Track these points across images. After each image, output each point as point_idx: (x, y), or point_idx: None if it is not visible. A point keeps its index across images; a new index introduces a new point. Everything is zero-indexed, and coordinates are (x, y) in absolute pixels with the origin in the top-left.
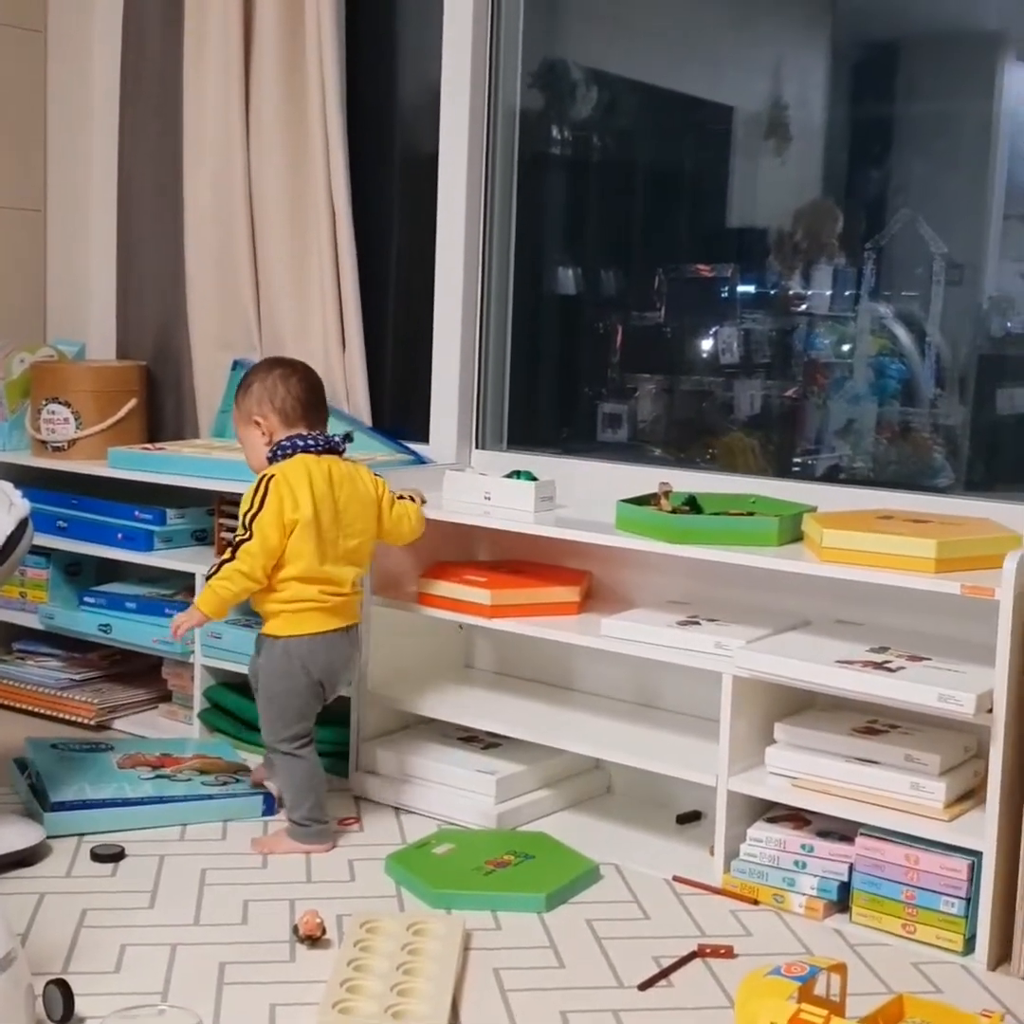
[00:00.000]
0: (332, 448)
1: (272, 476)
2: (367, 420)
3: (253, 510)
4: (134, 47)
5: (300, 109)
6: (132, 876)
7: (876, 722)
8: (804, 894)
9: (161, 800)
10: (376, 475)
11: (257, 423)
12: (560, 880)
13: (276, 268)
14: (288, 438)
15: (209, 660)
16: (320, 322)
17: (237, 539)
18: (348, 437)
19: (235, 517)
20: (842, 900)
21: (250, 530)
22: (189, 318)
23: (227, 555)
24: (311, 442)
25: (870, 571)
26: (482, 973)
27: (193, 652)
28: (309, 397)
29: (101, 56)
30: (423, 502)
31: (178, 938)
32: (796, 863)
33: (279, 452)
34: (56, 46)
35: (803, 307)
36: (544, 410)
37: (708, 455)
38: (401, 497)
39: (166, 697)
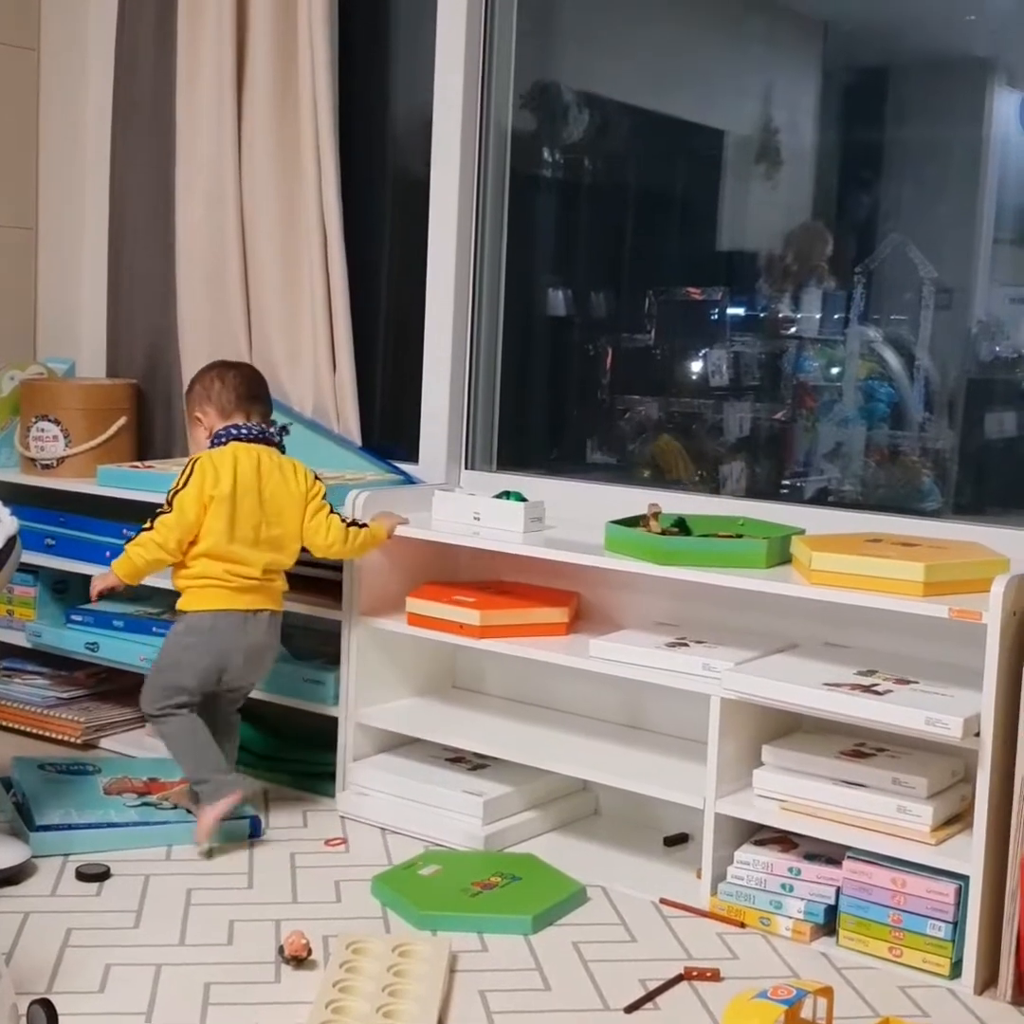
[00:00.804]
0: (265, 438)
1: (199, 458)
2: (357, 440)
3: (178, 488)
4: (127, 66)
5: (292, 129)
6: (117, 896)
7: (863, 745)
8: (791, 917)
9: (147, 823)
10: (317, 479)
11: (199, 419)
12: (547, 902)
13: (267, 288)
14: (224, 428)
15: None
16: (311, 342)
17: (157, 511)
18: (284, 429)
19: None
20: (829, 923)
21: (171, 504)
22: (180, 337)
23: (147, 525)
24: (244, 431)
25: (858, 594)
26: (468, 995)
27: None
28: (245, 391)
29: (94, 75)
30: (401, 521)
31: (163, 958)
32: (783, 886)
33: (215, 441)
34: (49, 64)
35: (793, 330)
36: (534, 431)
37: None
38: (354, 523)
39: None
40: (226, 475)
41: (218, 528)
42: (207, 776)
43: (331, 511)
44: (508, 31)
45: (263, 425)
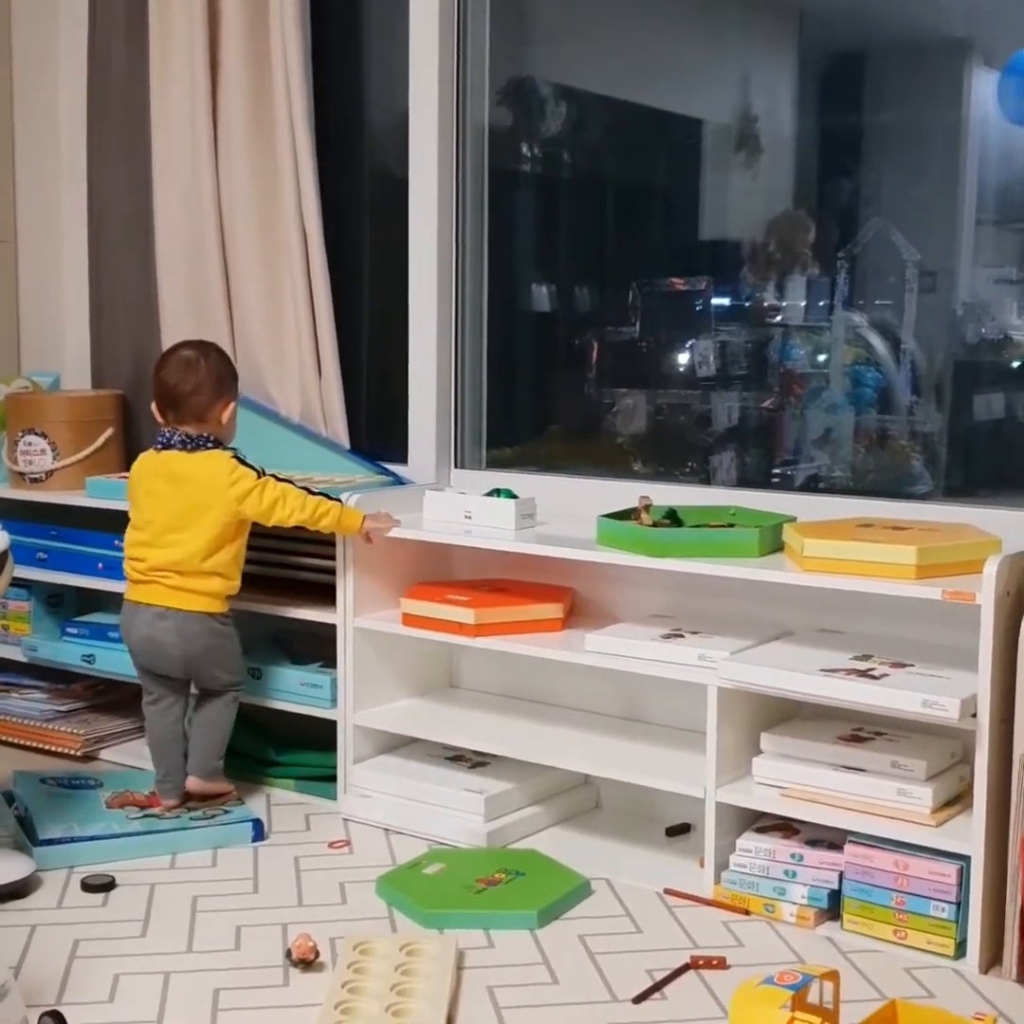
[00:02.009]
0: (168, 444)
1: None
2: (345, 443)
3: None
4: (100, 71)
5: (268, 131)
6: (123, 905)
7: (861, 730)
8: (795, 903)
9: (150, 832)
10: (243, 464)
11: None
12: (551, 896)
13: (249, 292)
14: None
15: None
16: (295, 345)
17: None
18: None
19: None
20: (833, 908)
21: None
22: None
23: None
24: (159, 439)
25: (851, 579)
26: (476, 991)
27: None
28: (166, 393)
29: (67, 82)
30: (394, 524)
31: (171, 966)
32: (786, 872)
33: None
34: (21, 72)
35: (778, 318)
36: (522, 427)
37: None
38: (324, 495)
39: None
40: (133, 491)
41: (127, 531)
42: (156, 772)
43: (279, 480)
44: (481, 26)
45: (171, 430)
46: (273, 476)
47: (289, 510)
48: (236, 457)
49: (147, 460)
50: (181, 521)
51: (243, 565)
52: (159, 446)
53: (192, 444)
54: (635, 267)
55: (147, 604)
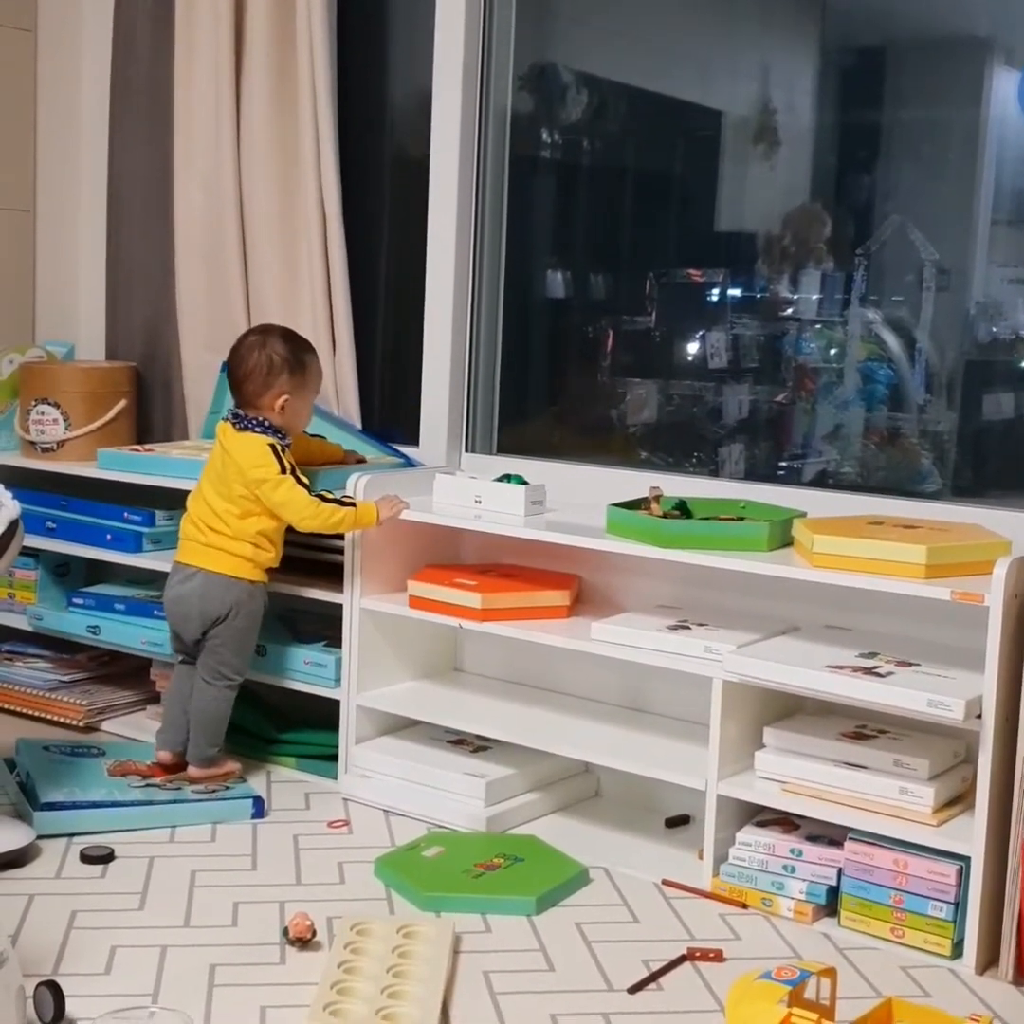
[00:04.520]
0: (227, 418)
1: None
2: (357, 423)
3: None
4: (124, 46)
5: (291, 111)
6: (122, 878)
7: (865, 727)
8: (793, 898)
9: (151, 803)
10: (278, 455)
11: None
12: (550, 883)
13: (266, 270)
14: None
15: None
16: (310, 324)
17: None
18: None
19: None
20: (831, 904)
21: None
22: (178, 319)
23: None
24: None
25: (860, 576)
26: (472, 976)
27: None
28: (228, 376)
29: (91, 55)
30: (403, 506)
31: (168, 940)
32: (785, 867)
33: None
34: (46, 45)
35: (791, 312)
36: (534, 414)
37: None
38: (337, 501)
39: (154, 698)
40: None
41: None
42: (162, 721)
43: (297, 484)
44: (507, 11)
45: (234, 406)
46: (295, 479)
47: (297, 517)
48: (272, 447)
49: (218, 432)
50: (218, 485)
51: (280, 542)
52: (223, 419)
53: (241, 423)
54: (651, 256)
55: (183, 564)
